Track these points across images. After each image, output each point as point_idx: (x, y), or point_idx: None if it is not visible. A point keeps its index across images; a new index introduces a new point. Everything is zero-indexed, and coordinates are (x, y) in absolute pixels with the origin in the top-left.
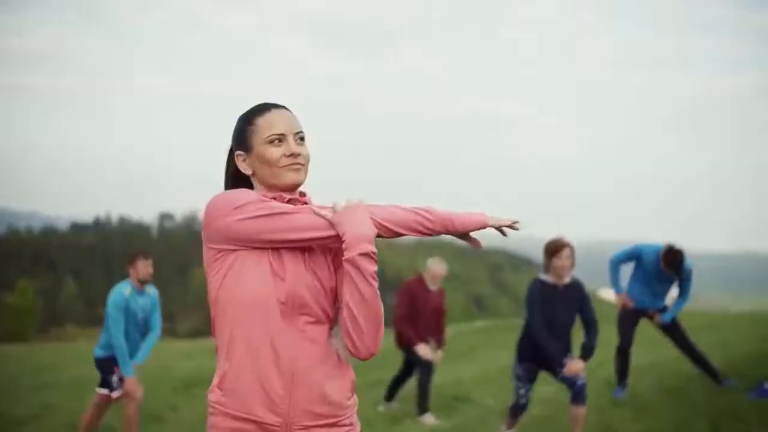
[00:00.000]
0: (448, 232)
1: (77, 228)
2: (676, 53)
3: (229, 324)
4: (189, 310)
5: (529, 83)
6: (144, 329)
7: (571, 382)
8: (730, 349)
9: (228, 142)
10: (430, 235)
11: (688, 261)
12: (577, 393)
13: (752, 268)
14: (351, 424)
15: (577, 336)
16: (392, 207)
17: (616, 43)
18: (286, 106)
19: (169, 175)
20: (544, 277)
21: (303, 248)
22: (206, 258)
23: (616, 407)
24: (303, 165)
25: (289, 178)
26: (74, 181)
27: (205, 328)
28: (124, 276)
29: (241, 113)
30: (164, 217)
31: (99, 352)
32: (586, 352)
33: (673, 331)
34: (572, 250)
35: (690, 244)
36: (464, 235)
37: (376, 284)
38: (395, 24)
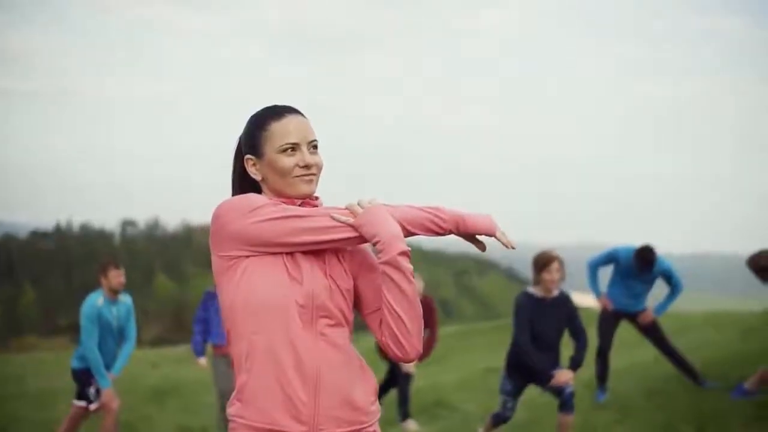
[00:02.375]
0: (458, 233)
1: (37, 235)
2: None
3: (246, 332)
4: (152, 319)
5: (492, 89)
6: (120, 339)
7: (558, 391)
8: (707, 350)
9: (190, 148)
10: (442, 234)
11: (665, 261)
12: (565, 401)
13: (709, 269)
14: None
15: (565, 348)
16: (405, 206)
17: (586, 48)
18: (299, 109)
19: (132, 182)
20: (532, 290)
21: (317, 251)
22: (217, 267)
23: (599, 410)
24: (315, 175)
25: (302, 189)
26: (34, 188)
27: (169, 337)
28: (85, 284)
29: (253, 114)
30: (126, 223)
31: (75, 364)
32: (575, 364)
33: (652, 332)
34: (561, 263)
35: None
36: (471, 237)
37: (414, 282)
38: (356, 29)
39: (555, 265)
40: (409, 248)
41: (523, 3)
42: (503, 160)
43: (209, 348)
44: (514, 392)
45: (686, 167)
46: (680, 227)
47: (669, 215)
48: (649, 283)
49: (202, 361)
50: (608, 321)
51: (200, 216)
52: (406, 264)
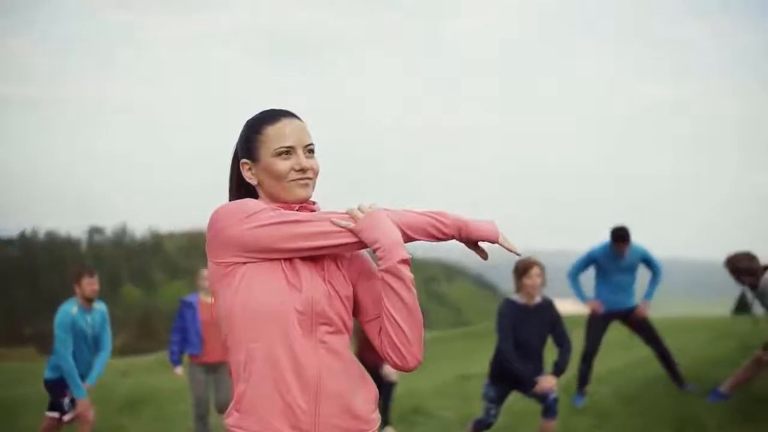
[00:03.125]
0: (460, 238)
1: (1, 243)
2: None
3: (245, 341)
4: (120, 327)
5: (492, 90)
6: (95, 348)
7: (542, 397)
8: (682, 355)
9: (159, 154)
10: (444, 240)
11: (640, 246)
12: (549, 407)
13: (680, 274)
14: None
15: (548, 352)
16: (406, 211)
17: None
18: (295, 113)
19: (99, 188)
20: (515, 297)
21: (316, 257)
22: (213, 273)
23: (577, 415)
24: (311, 179)
25: (297, 193)
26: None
27: (137, 345)
28: (51, 293)
29: (249, 118)
30: (93, 231)
31: (49, 374)
32: (559, 370)
33: (646, 330)
34: (542, 268)
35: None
36: (473, 244)
37: (414, 291)
38: (340, 31)
39: (535, 271)
40: (410, 255)
41: (522, 3)
42: (502, 162)
43: (185, 357)
44: (497, 399)
45: (686, 169)
46: (679, 230)
47: (668, 218)
48: (632, 273)
49: (179, 370)
50: (598, 324)
51: (168, 223)
52: (407, 272)
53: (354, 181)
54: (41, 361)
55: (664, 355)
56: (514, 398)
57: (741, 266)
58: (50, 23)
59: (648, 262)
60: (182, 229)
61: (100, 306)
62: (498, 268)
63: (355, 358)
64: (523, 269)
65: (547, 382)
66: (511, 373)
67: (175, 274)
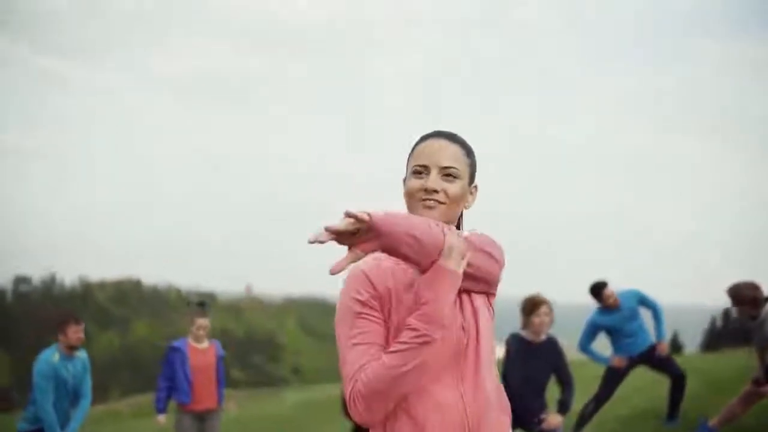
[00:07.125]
0: None
1: None
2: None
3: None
4: None
5: (389, 135)
6: (74, 398)
7: None
8: (646, 392)
9: (85, 199)
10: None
11: (630, 290)
12: None
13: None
14: None
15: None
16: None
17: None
18: (454, 134)
19: (25, 236)
20: (522, 333)
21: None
22: None
23: None
24: (441, 203)
25: (420, 214)
26: None
27: None
28: None
29: None
30: (20, 280)
31: (25, 426)
32: (564, 407)
33: (671, 366)
34: (550, 306)
35: (564, 297)
36: None
37: None
38: (259, 79)
39: (544, 309)
40: None
41: (427, 51)
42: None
43: (173, 404)
44: None
45: (591, 211)
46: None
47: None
48: (636, 317)
49: (162, 418)
50: (618, 372)
51: (98, 271)
52: None
53: (288, 222)
54: None
55: (680, 390)
56: None
57: (745, 295)
58: None
59: (644, 302)
60: (112, 277)
61: (81, 354)
62: None
63: (499, 391)
64: (531, 307)
65: (554, 419)
66: (516, 409)
67: (106, 325)
